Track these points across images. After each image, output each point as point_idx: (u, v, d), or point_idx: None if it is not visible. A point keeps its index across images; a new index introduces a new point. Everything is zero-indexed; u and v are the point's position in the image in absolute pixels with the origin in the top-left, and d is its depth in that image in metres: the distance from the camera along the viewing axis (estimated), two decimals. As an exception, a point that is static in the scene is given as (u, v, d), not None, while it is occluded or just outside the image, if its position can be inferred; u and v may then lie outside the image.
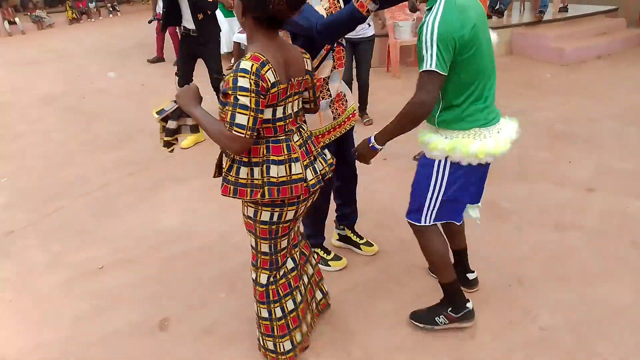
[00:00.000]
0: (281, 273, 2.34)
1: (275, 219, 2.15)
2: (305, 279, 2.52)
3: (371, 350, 2.54)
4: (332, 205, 3.19)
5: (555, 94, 6.04)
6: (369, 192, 3.95)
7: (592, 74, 6.74)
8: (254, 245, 2.28)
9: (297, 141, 2.11)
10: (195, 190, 4.32)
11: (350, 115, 2.86)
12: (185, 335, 2.74)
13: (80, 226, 3.92)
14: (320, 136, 2.68)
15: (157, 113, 2.20)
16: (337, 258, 3.17)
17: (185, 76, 5.02)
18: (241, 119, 1.88)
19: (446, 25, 2.02)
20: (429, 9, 2.12)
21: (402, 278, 3.03)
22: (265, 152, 2.04)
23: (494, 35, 2.38)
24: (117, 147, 5.42)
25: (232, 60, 8.19)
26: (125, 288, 3.15)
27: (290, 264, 2.39)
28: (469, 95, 2.20)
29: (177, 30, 9.00)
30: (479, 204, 2.59)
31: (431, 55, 2.03)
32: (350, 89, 4.81)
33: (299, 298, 2.42)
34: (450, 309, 2.58)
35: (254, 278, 2.35)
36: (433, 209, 2.39)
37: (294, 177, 2.06)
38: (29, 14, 16.04)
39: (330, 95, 2.67)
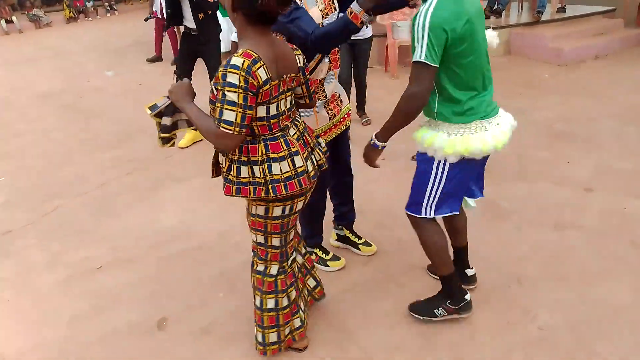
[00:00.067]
0: (287, 265, 2.39)
1: (287, 211, 2.19)
2: (296, 269, 2.54)
3: (370, 350, 2.54)
4: (330, 206, 3.20)
5: (553, 94, 6.05)
6: (367, 192, 3.95)
7: (591, 74, 6.75)
8: (262, 241, 2.29)
9: (293, 135, 2.12)
10: (195, 189, 4.31)
11: (346, 115, 2.87)
12: (185, 335, 2.73)
13: (79, 225, 3.91)
14: None
15: (150, 108, 2.18)
16: (335, 258, 3.17)
17: (184, 75, 5.02)
18: (229, 115, 1.87)
19: (439, 16, 2.02)
20: (425, 1, 2.13)
21: (400, 278, 3.03)
22: (264, 151, 2.05)
23: (493, 35, 2.38)
24: (116, 146, 5.41)
25: (230, 60, 8.18)
26: (124, 287, 3.14)
27: (289, 262, 2.43)
28: (469, 88, 2.20)
29: (176, 29, 9.02)
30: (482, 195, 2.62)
31: (422, 46, 2.04)
32: (350, 89, 4.83)
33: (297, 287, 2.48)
34: (449, 301, 2.61)
35: (261, 270, 2.36)
36: (432, 202, 2.40)
37: (299, 170, 2.08)
38: (26, 12, 15.99)
39: (325, 96, 2.67)
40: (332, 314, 2.79)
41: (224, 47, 5.55)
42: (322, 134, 2.71)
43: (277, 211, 2.17)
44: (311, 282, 2.70)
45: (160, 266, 3.33)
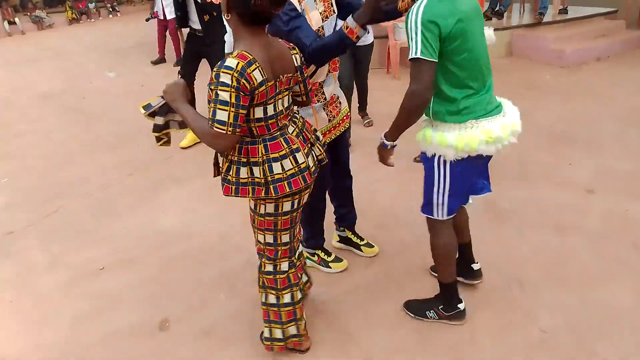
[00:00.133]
0: (297, 257, 2.42)
1: (296, 205, 2.22)
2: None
3: (371, 351, 2.54)
4: (331, 208, 3.20)
5: (555, 96, 6.04)
6: (369, 192, 3.95)
7: (592, 76, 6.74)
8: (271, 241, 2.29)
9: (292, 132, 2.13)
10: (195, 190, 4.31)
11: (344, 117, 2.88)
12: (185, 335, 2.73)
13: (81, 226, 3.91)
14: None
15: (144, 108, 2.19)
16: (337, 260, 3.16)
17: (188, 75, 5.07)
18: (221, 114, 1.88)
19: (430, 12, 2.03)
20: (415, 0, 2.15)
21: (402, 280, 3.03)
22: (264, 152, 2.05)
23: (489, 33, 2.38)
24: (117, 148, 5.41)
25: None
26: (125, 288, 3.15)
27: (296, 255, 2.46)
28: (464, 87, 2.20)
29: (179, 31, 9.03)
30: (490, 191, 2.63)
31: (416, 42, 2.04)
32: (351, 94, 4.82)
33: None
34: (442, 306, 2.63)
35: (270, 270, 2.36)
36: (443, 205, 2.41)
37: (301, 166, 2.10)
38: (28, 14, 16.05)
39: (325, 99, 2.69)
40: (333, 315, 2.79)
41: (228, 48, 5.58)
42: (322, 135, 2.71)
43: (287, 206, 2.19)
44: (304, 278, 2.74)
45: (161, 267, 3.34)
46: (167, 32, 9.15)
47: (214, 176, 2.26)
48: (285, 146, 2.07)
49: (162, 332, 2.78)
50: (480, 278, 2.90)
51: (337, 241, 3.36)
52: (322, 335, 2.65)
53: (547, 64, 7.35)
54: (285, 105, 2.12)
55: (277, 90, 2.03)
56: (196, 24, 4.91)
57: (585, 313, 2.67)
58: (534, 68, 7.27)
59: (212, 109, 1.89)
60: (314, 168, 2.20)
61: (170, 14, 8.82)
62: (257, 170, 2.06)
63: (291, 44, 2.18)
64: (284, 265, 2.36)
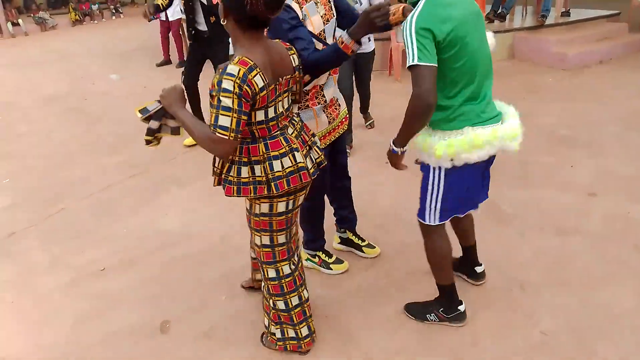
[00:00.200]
0: (296, 259, 2.42)
1: (290, 206, 2.22)
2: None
3: (372, 354, 2.54)
4: (330, 210, 3.20)
5: (557, 99, 6.03)
6: (370, 194, 3.95)
7: (595, 79, 6.74)
8: (268, 242, 2.29)
9: (292, 133, 2.15)
10: (196, 191, 4.31)
11: (343, 119, 2.89)
12: (186, 336, 2.73)
13: (81, 227, 3.92)
14: None
15: (140, 112, 2.17)
16: (338, 261, 3.16)
17: (191, 76, 5.09)
18: (224, 120, 1.89)
19: (424, 19, 2.04)
20: (414, 4, 2.16)
21: (403, 282, 3.02)
22: (264, 150, 2.07)
23: (489, 36, 2.38)
24: (119, 149, 5.42)
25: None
26: (125, 289, 3.15)
27: (296, 257, 2.46)
28: (459, 95, 2.19)
29: (181, 32, 9.05)
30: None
31: (412, 49, 2.05)
32: (352, 101, 4.78)
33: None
34: (442, 309, 2.63)
35: (273, 276, 2.36)
36: (435, 210, 2.40)
37: (300, 165, 2.11)
38: (32, 15, 16.07)
39: (325, 101, 2.70)
40: (334, 316, 2.79)
41: (233, 50, 5.61)
42: (322, 137, 2.73)
43: (281, 207, 2.19)
44: (257, 276, 2.80)
45: (161, 267, 3.34)
46: (170, 33, 9.16)
47: (214, 185, 2.26)
48: (285, 144, 2.09)
49: (162, 333, 2.78)
50: (483, 279, 2.92)
51: (338, 243, 3.36)
52: (323, 336, 2.64)
53: (549, 67, 7.34)
54: (285, 106, 2.14)
55: (277, 93, 2.05)
56: (202, 25, 4.93)
57: (586, 314, 2.66)
58: (536, 71, 7.27)
59: (214, 114, 1.90)
60: (312, 169, 2.20)
61: (172, 16, 8.84)
62: (258, 169, 2.07)
63: (289, 44, 2.20)
64: (286, 269, 2.35)
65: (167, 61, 9.49)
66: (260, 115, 2.02)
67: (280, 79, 2.05)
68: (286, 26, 2.33)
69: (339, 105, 2.86)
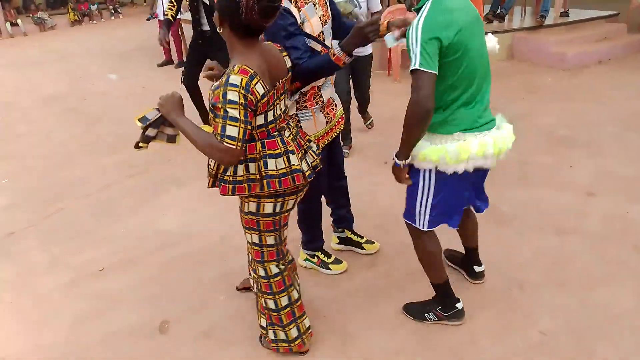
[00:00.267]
0: (287, 261, 2.42)
1: (277, 209, 2.22)
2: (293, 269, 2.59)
3: (371, 354, 2.54)
4: (327, 211, 3.21)
5: (556, 99, 6.04)
6: (370, 195, 3.95)
7: (594, 79, 6.75)
8: (257, 241, 2.31)
9: (288, 136, 2.17)
10: (196, 191, 4.31)
11: (340, 119, 2.90)
12: (185, 336, 2.73)
13: (81, 227, 3.92)
14: (315, 141, 2.71)
15: (140, 120, 2.16)
16: (337, 261, 3.17)
17: (191, 77, 5.10)
18: (232, 130, 1.91)
19: (430, 25, 2.05)
20: (418, 10, 2.16)
21: (402, 282, 3.03)
22: (260, 148, 2.09)
23: (493, 40, 2.38)
24: (118, 149, 5.41)
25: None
26: (125, 289, 3.15)
27: (289, 257, 2.48)
28: (455, 99, 2.20)
29: (180, 32, 9.04)
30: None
31: (416, 54, 2.06)
32: (349, 106, 4.74)
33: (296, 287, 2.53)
34: (440, 307, 2.64)
35: (262, 275, 2.37)
36: (425, 216, 2.42)
37: (293, 167, 2.13)
38: (31, 15, 16.05)
39: (322, 101, 2.72)
40: (333, 317, 2.79)
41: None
42: (320, 137, 2.74)
43: (268, 208, 2.20)
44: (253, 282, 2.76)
45: (161, 267, 3.34)
46: (170, 34, 9.13)
47: (209, 187, 2.27)
48: (281, 146, 2.11)
49: (161, 333, 2.78)
50: (481, 279, 2.92)
51: (337, 243, 3.36)
52: (322, 336, 2.65)
53: (548, 67, 7.35)
54: (283, 108, 2.18)
55: (275, 97, 2.08)
56: (206, 26, 4.97)
57: (586, 314, 2.67)
58: (535, 71, 7.28)
59: (221, 124, 1.91)
60: (308, 172, 2.21)
61: None
62: (253, 167, 2.09)
63: (281, 47, 2.24)
64: (274, 268, 2.36)
65: (168, 61, 9.43)
66: (260, 120, 2.05)
67: (278, 82, 2.09)
68: (283, 33, 2.36)
69: (335, 105, 2.88)
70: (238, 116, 1.90)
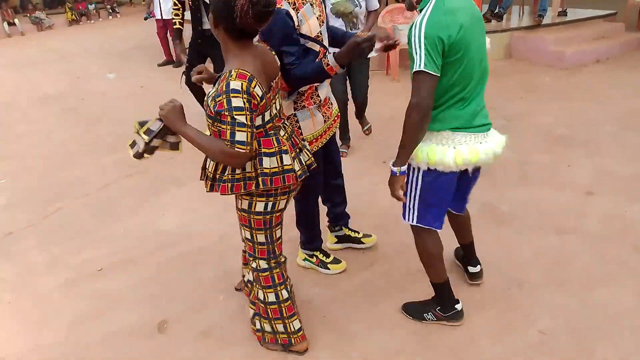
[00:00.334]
0: (280, 260, 2.44)
1: (269, 208, 2.24)
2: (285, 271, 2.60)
3: (371, 353, 2.54)
4: (323, 210, 3.20)
5: (554, 98, 6.05)
6: (370, 194, 3.95)
7: (592, 78, 6.75)
8: (249, 237, 2.35)
9: (283, 135, 2.20)
10: (195, 191, 4.31)
11: (336, 118, 2.92)
12: (185, 336, 2.74)
13: (80, 227, 3.92)
14: (314, 140, 2.72)
15: (145, 134, 2.16)
16: (336, 261, 3.17)
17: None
18: (241, 136, 1.96)
19: (433, 26, 2.05)
20: (420, 11, 2.16)
21: (402, 280, 3.03)
22: (256, 147, 2.12)
23: (487, 40, 2.39)
24: (118, 149, 5.41)
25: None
26: (124, 289, 3.15)
27: (282, 258, 2.49)
28: (449, 98, 2.20)
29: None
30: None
31: (420, 56, 2.06)
32: (346, 107, 4.71)
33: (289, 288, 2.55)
34: (439, 307, 2.65)
35: (254, 267, 2.42)
36: (413, 208, 2.42)
37: (285, 167, 2.16)
38: (28, 15, 16.04)
39: (320, 101, 2.73)
40: (332, 317, 2.79)
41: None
42: (319, 137, 2.75)
43: (260, 207, 2.22)
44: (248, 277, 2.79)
45: (160, 267, 3.34)
46: (168, 32, 9.10)
47: (201, 179, 2.32)
48: (276, 145, 2.14)
49: (161, 333, 2.78)
50: (478, 279, 2.92)
51: (335, 242, 3.37)
52: (321, 336, 2.65)
53: (546, 66, 7.36)
54: (278, 107, 2.22)
55: (271, 97, 2.12)
56: (206, 24, 4.97)
57: (585, 314, 2.67)
58: (534, 70, 7.28)
59: (229, 131, 1.95)
60: (300, 172, 2.24)
61: (167, 14, 8.78)
62: (249, 165, 2.13)
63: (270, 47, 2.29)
64: (262, 264, 2.40)
65: (169, 61, 9.37)
66: (258, 120, 2.08)
67: (272, 83, 2.13)
68: (280, 36, 2.38)
69: (332, 104, 2.90)
70: (245, 122, 1.94)
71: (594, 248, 3.19)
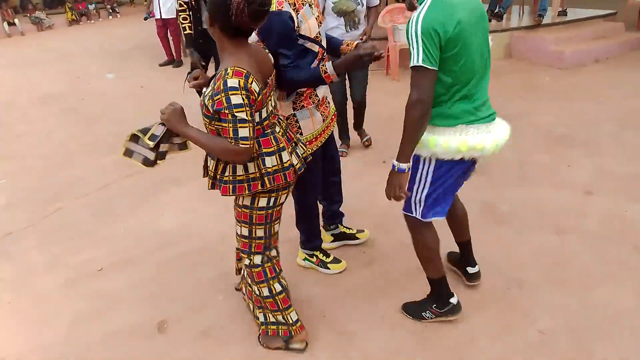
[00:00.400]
0: (271, 254, 2.47)
1: (271, 203, 2.28)
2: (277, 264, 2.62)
3: (370, 353, 2.54)
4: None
5: (554, 98, 6.04)
6: (370, 194, 3.95)
7: (592, 78, 6.75)
8: (246, 234, 2.36)
9: (279, 132, 2.23)
10: (195, 191, 4.31)
11: (333, 116, 2.93)
12: (184, 336, 2.74)
13: (80, 227, 3.92)
14: (314, 139, 2.72)
15: (150, 139, 2.18)
16: (336, 261, 3.17)
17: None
18: (244, 132, 1.98)
19: (429, 20, 2.05)
20: (419, 4, 2.17)
21: (401, 280, 3.03)
22: (257, 147, 2.14)
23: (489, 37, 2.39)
24: (117, 149, 5.31)
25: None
26: (124, 289, 3.15)
27: (273, 252, 2.51)
28: (455, 92, 2.20)
29: (178, 31, 9.01)
30: None
31: (417, 50, 2.06)
32: (345, 108, 4.71)
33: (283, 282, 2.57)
34: (435, 304, 2.65)
35: (247, 264, 2.45)
36: (420, 202, 2.42)
37: (285, 164, 2.19)
38: (28, 15, 16.04)
39: (318, 100, 2.74)
40: (332, 316, 2.79)
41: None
42: (318, 135, 2.76)
43: (262, 202, 2.26)
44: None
45: (160, 268, 3.34)
46: (168, 32, 9.09)
47: (204, 176, 2.36)
48: (274, 144, 2.17)
49: (161, 333, 2.78)
50: (476, 280, 2.90)
51: (331, 241, 3.38)
52: (321, 336, 2.65)
53: (546, 66, 7.36)
54: (273, 105, 2.24)
55: (267, 93, 2.14)
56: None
57: (585, 314, 2.67)
58: (533, 70, 7.28)
59: (232, 128, 1.97)
60: (298, 165, 2.28)
61: (167, 14, 8.78)
62: (251, 166, 2.15)
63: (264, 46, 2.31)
64: (257, 259, 2.42)
65: (170, 61, 9.37)
66: (255, 118, 2.09)
67: (268, 80, 2.15)
68: (279, 37, 2.39)
69: (329, 103, 2.93)
70: (246, 117, 1.96)
71: (593, 248, 3.19)
